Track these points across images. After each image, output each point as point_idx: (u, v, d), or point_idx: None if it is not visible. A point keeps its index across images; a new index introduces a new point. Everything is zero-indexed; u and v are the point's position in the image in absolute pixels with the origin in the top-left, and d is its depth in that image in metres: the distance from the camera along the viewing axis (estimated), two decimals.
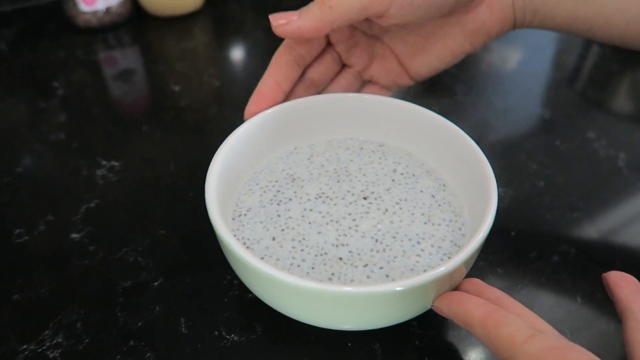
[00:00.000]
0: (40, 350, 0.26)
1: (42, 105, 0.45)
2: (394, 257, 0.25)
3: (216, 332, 0.27)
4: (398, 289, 0.21)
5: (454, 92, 0.47)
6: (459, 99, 0.46)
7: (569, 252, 0.32)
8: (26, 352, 0.26)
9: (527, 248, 0.32)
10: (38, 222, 0.34)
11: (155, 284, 0.30)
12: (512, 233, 0.33)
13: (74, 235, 0.33)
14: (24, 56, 0.53)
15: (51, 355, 0.26)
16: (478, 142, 0.28)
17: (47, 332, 0.27)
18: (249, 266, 0.22)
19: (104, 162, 0.38)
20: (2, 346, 0.26)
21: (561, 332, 0.27)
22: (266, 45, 0.56)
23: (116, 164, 0.38)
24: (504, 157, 0.39)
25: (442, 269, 0.21)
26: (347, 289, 0.21)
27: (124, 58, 0.54)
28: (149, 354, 0.26)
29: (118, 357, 0.26)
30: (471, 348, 0.27)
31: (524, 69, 0.51)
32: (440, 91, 0.48)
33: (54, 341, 0.27)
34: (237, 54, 0.56)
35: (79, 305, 0.28)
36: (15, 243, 0.32)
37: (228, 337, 0.27)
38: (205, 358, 0.26)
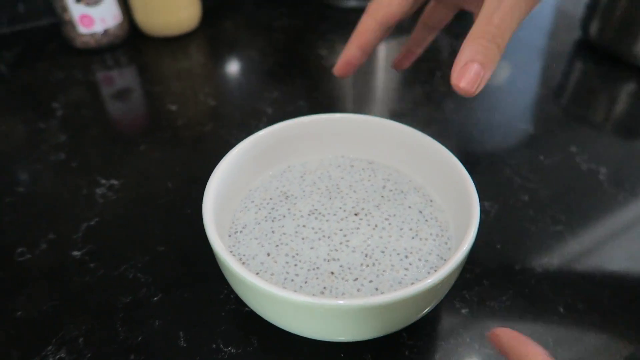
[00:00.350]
0: None
1: (41, 125, 0.47)
2: (383, 271, 0.26)
3: (214, 345, 0.28)
4: (387, 301, 0.22)
5: (442, 108, 0.49)
6: (447, 115, 0.48)
7: (551, 264, 0.33)
8: None
9: (512, 260, 0.33)
10: (40, 241, 0.35)
11: (155, 299, 0.31)
12: (498, 246, 0.34)
13: (75, 253, 0.34)
14: (24, 77, 0.54)
15: None
16: (464, 157, 0.30)
17: (49, 347, 0.28)
18: (245, 282, 0.23)
19: (103, 181, 0.40)
20: None
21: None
22: (260, 64, 0.57)
23: (115, 182, 0.40)
24: (489, 172, 0.41)
25: (429, 281, 0.22)
26: (339, 302, 0.22)
27: (122, 78, 0.56)
28: None
29: None
30: (458, 358, 0.28)
31: (509, 86, 0.52)
32: (429, 107, 0.50)
33: (57, 356, 0.28)
34: (232, 73, 0.58)
35: (80, 321, 0.29)
36: (17, 261, 0.33)
37: (225, 349, 0.28)
38: None
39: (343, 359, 0.28)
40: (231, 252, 0.28)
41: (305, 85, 0.53)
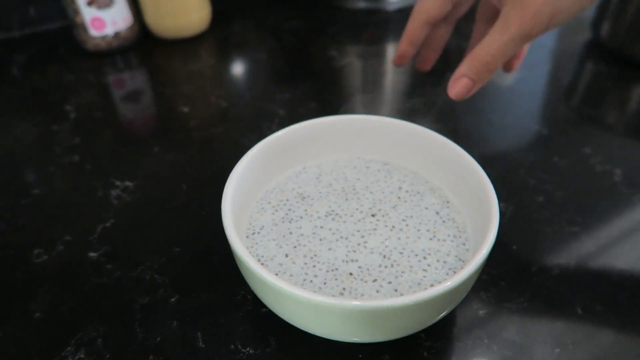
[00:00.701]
0: None
1: (54, 128, 0.47)
2: (402, 272, 0.26)
3: (232, 346, 0.28)
4: (407, 303, 0.22)
5: (453, 109, 0.49)
6: (459, 117, 0.48)
7: (568, 265, 0.33)
8: None
9: (529, 261, 0.33)
10: (56, 242, 0.35)
11: (172, 300, 0.31)
12: (514, 247, 0.34)
13: (92, 254, 0.34)
14: (35, 80, 0.55)
15: None
16: (478, 158, 0.30)
17: (69, 348, 0.28)
18: (266, 283, 0.23)
19: (117, 183, 0.40)
20: None
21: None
22: (270, 65, 0.57)
23: (130, 184, 0.40)
24: (503, 173, 0.41)
25: (448, 283, 0.22)
26: (359, 303, 0.22)
27: (133, 81, 0.56)
28: None
29: None
30: (477, 359, 0.28)
31: (521, 87, 0.52)
32: (439, 108, 0.50)
33: (76, 357, 0.28)
34: (242, 74, 0.58)
35: (98, 322, 0.30)
36: (35, 263, 0.33)
37: (243, 350, 0.28)
38: None
39: (361, 359, 0.28)
40: (249, 253, 0.28)
41: (316, 86, 0.53)
